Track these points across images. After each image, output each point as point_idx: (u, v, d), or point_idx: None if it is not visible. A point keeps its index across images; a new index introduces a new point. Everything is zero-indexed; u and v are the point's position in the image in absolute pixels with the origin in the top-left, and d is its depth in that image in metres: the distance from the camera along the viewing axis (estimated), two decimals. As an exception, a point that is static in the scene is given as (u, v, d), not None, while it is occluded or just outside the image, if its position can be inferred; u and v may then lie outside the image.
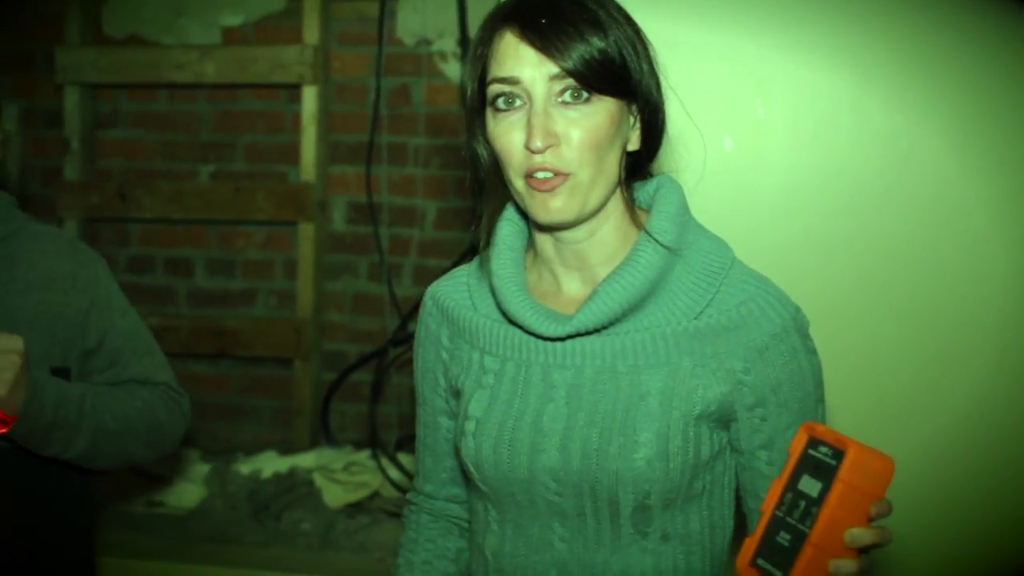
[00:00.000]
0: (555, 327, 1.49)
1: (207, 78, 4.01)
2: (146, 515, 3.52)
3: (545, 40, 1.42)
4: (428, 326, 1.71)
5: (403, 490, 3.60)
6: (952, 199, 2.44)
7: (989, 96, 2.47)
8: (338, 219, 4.19)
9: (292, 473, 3.61)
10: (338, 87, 4.15)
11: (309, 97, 3.96)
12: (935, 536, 2.61)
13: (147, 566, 3.13)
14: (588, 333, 1.50)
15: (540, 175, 1.43)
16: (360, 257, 4.20)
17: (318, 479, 3.60)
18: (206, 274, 4.27)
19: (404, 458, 3.72)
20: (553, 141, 1.42)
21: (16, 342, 1.79)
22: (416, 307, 3.97)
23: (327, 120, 4.09)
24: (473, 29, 3.84)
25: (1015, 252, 2.45)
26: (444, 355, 1.67)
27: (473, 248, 3.74)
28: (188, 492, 3.63)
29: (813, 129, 2.43)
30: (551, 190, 1.43)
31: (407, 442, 3.99)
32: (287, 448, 3.99)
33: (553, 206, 1.44)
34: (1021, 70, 2.50)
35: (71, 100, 4.16)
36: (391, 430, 4.02)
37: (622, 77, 1.45)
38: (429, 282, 3.94)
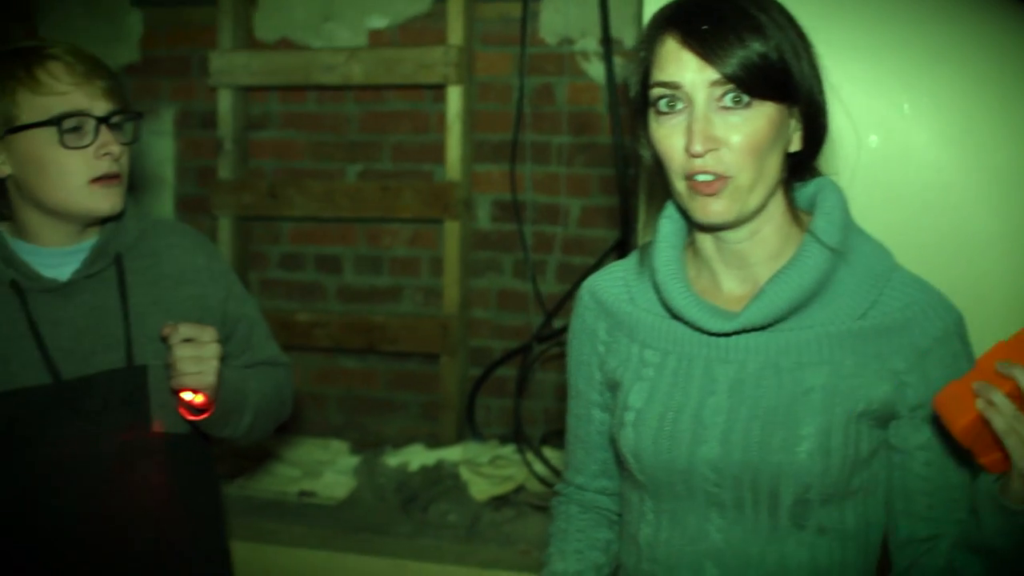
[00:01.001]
0: (722, 323, 1.53)
1: (354, 79, 4.09)
2: (298, 505, 3.61)
3: (706, 46, 1.45)
4: (584, 320, 1.74)
5: (548, 484, 3.64)
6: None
7: None
8: (483, 217, 4.25)
9: (439, 466, 3.68)
10: (482, 87, 4.21)
11: (454, 97, 4.02)
12: None
13: (300, 554, 3.22)
14: (753, 330, 1.53)
15: (701, 178, 1.47)
16: (504, 254, 4.25)
17: (464, 472, 3.66)
18: (354, 271, 4.37)
19: (549, 453, 3.76)
20: (713, 145, 1.45)
21: (213, 332, 1.93)
22: (561, 303, 4.02)
23: (471, 119, 4.15)
24: (616, 28, 3.87)
25: None
26: (601, 348, 1.71)
27: (619, 245, 3.77)
28: (338, 483, 3.71)
29: (960, 125, 2.39)
30: (712, 193, 1.47)
31: (552, 437, 4.03)
32: (433, 442, 4.07)
33: (713, 209, 1.48)
34: None
35: (224, 102, 4.30)
36: (536, 425, 4.06)
37: (783, 82, 1.47)
38: (573, 279, 4.03)
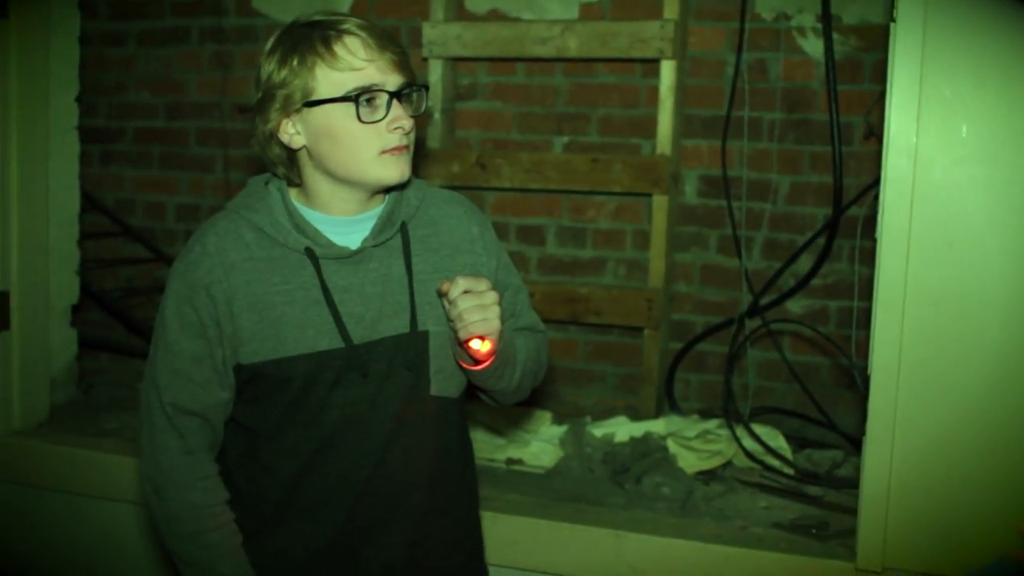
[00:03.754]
0: None
1: (569, 52, 4.11)
2: (506, 472, 3.67)
3: None
4: None
5: (758, 461, 3.64)
6: None
7: None
8: (690, 192, 4.25)
9: (646, 438, 3.70)
10: (694, 61, 4.20)
11: (667, 71, 4.01)
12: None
13: (515, 521, 3.27)
14: None
15: None
16: (710, 230, 4.25)
17: (672, 445, 3.67)
18: (557, 242, 4.42)
19: (758, 429, 3.75)
20: None
21: (488, 282, 2.01)
22: (771, 281, 4.00)
23: (682, 94, 4.14)
24: (835, 5, 3.83)
25: None
26: None
27: (830, 223, 3.73)
28: (544, 452, 3.76)
29: None
30: None
31: (759, 414, 4.03)
32: (632, 414, 4.09)
33: None
34: None
35: (435, 73, 4.36)
36: (740, 401, 4.06)
37: None
38: (780, 257, 4.00)
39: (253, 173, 4.79)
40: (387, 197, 2.13)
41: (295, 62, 1.96)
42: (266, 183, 2.14)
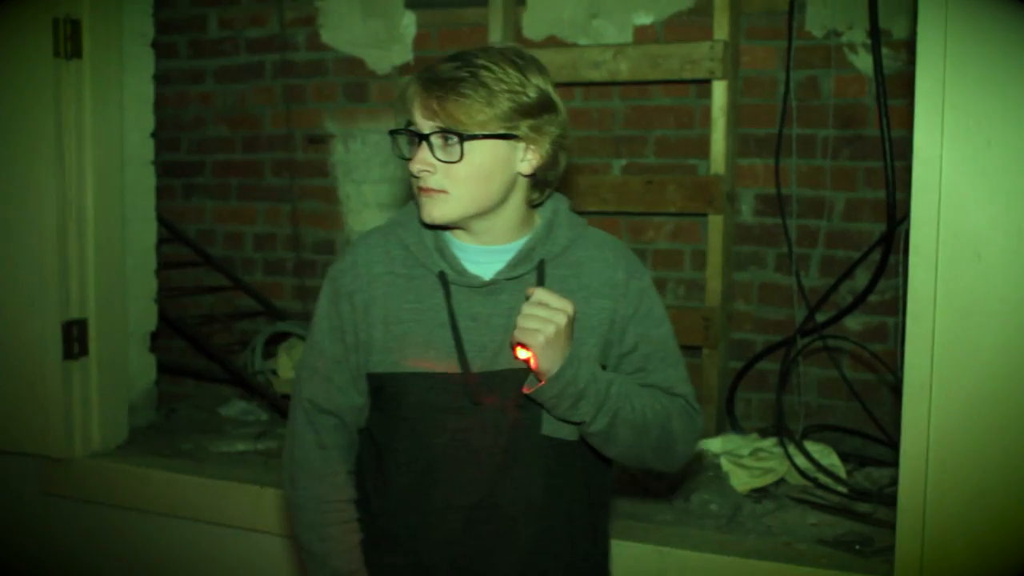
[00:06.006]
0: None
1: (621, 76, 4.18)
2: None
3: None
4: None
5: (810, 478, 3.63)
6: None
7: None
8: (746, 211, 4.27)
9: (700, 456, 3.72)
10: (746, 80, 4.22)
11: (719, 91, 4.05)
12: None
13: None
14: None
15: None
16: (767, 248, 4.26)
17: (725, 463, 3.69)
18: (617, 263, 4.46)
19: (811, 447, 3.75)
20: None
21: (568, 305, 1.99)
22: (825, 297, 4.01)
23: (736, 113, 4.17)
24: (884, 20, 3.82)
25: None
26: None
27: (885, 238, 3.72)
28: (601, 470, 3.80)
29: None
30: None
31: (813, 431, 4.02)
32: (693, 433, 4.10)
33: None
34: None
35: (490, 100, 4.43)
36: (797, 419, 4.06)
37: None
38: (836, 273, 4.01)
39: (324, 202, 5.04)
40: (533, 232, 2.13)
41: None
42: None
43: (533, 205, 2.11)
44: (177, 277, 5.10)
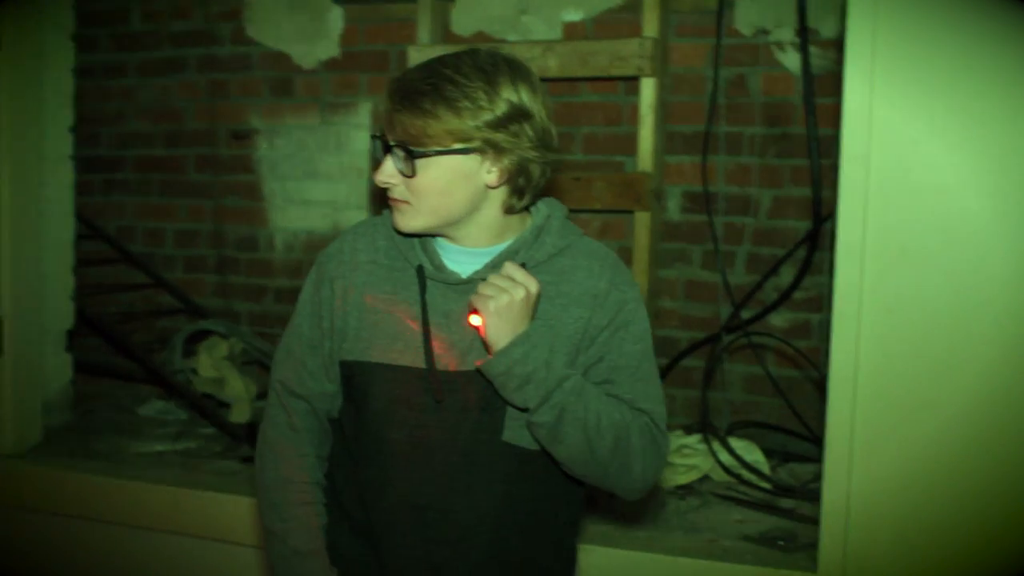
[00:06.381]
0: None
1: (550, 72, 4.14)
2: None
3: None
4: None
5: (734, 474, 3.63)
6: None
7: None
8: (673, 208, 4.26)
9: (626, 454, 3.70)
10: (675, 78, 4.22)
11: (647, 89, 4.02)
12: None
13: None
14: None
15: None
16: (694, 245, 4.25)
17: (651, 461, 3.67)
18: (545, 261, 4.43)
19: (736, 443, 3.74)
20: None
21: (532, 283, 1.93)
22: (750, 295, 4.00)
23: (664, 111, 4.16)
24: (812, 19, 3.84)
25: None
26: None
27: (810, 236, 3.73)
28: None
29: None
30: None
31: (738, 428, 4.02)
32: (620, 431, 4.08)
33: None
34: None
35: (422, 96, 4.39)
36: (722, 415, 4.06)
37: None
38: (762, 270, 4.00)
39: (247, 199, 4.96)
40: (517, 236, 2.06)
41: None
42: None
43: (516, 210, 2.02)
44: (96, 274, 4.98)
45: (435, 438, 2.02)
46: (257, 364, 4.74)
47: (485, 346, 1.96)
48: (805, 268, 3.92)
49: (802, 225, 4.05)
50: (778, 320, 4.13)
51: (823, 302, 4.02)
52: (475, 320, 1.94)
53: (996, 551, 2.75)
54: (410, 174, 1.93)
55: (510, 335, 1.92)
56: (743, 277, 4.16)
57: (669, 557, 3.10)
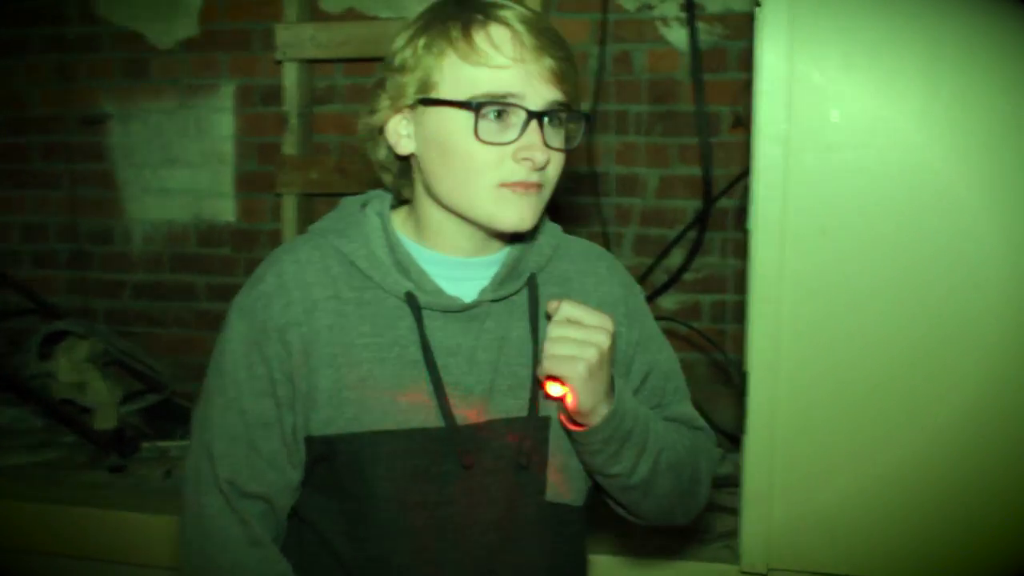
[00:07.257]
0: None
1: (427, 50, 3.97)
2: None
3: None
4: None
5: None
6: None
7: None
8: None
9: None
10: (557, 55, 4.08)
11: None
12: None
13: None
14: None
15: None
16: (579, 228, 4.13)
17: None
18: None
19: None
20: None
21: (606, 321, 1.56)
22: (643, 278, 3.90)
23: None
24: (697, -9, 3.74)
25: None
26: None
27: (700, 216, 3.65)
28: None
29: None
30: None
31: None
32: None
33: None
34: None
35: (290, 76, 4.17)
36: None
37: None
38: (651, 252, 3.90)
39: (101, 188, 4.65)
40: (512, 241, 1.68)
41: (421, 43, 1.54)
42: (363, 205, 1.73)
43: None
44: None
45: (463, 515, 1.61)
46: (118, 365, 4.45)
47: (561, 407, 1.58)
48: (696, 249, 3.84)
49: (690, 204, 3.96)
50: (668, 302, 4.04)
51: (715, 283, 3.95)
52: (555, 390, 1.56)
53: (931, 535, 2.67)
54: (574, 145, 1.59)
55: (604, 395, 1.56)
56: (631, 259, 4.05)
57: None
